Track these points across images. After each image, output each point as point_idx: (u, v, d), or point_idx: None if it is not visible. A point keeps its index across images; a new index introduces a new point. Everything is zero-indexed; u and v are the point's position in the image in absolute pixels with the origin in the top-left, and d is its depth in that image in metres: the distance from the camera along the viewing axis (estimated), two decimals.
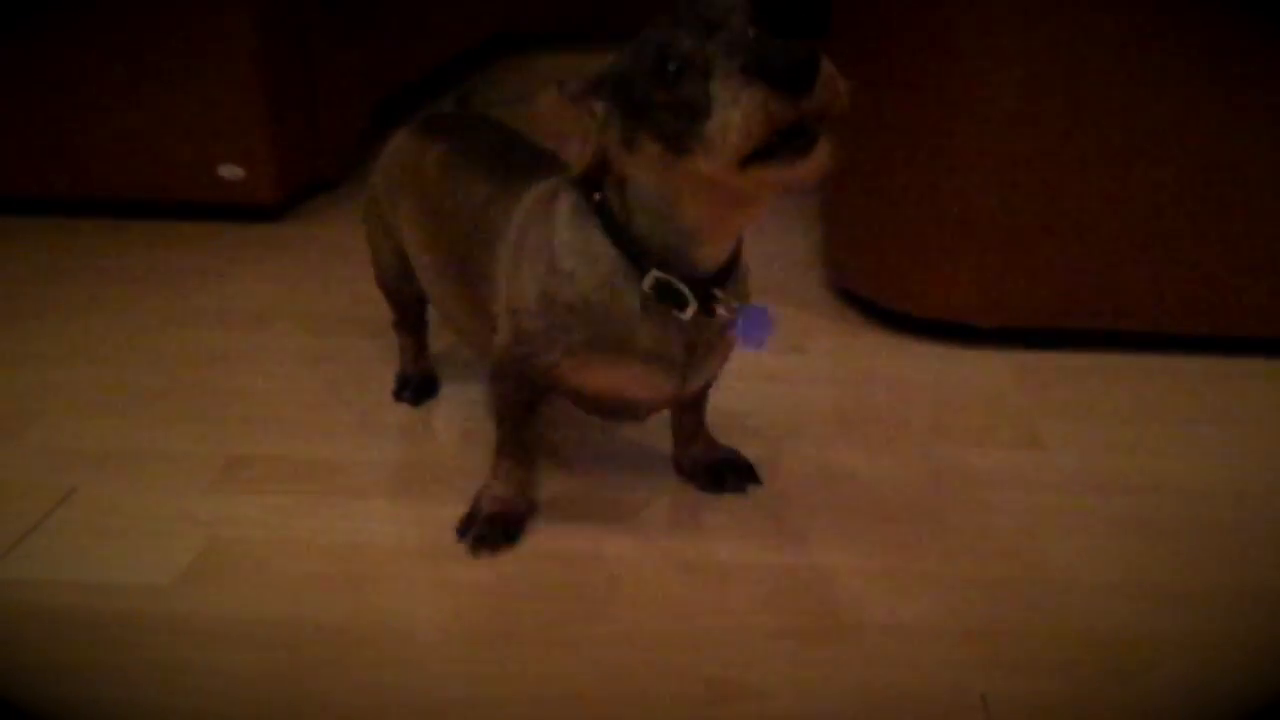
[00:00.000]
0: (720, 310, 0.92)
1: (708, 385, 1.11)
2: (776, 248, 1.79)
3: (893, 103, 1.40)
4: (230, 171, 1.83)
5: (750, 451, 1.18)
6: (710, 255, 0.90)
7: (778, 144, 0.74)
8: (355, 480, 1.16)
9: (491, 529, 1.05)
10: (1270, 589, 1.00)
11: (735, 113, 0.74)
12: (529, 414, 1.05)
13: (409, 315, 1.32)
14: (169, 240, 1.84)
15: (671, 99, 0.79)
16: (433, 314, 1.31)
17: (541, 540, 1.06)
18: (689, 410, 1.14)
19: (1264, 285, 1.35)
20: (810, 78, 0.71)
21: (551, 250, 0.93)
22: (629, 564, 1.03)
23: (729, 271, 0.93)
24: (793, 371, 1.40)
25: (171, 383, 1.37)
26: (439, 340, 1.40)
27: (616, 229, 0.90)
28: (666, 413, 1.14)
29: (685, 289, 0.90)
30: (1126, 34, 1.26)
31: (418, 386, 1.33)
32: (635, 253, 0.90)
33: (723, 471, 1.14)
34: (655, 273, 0.89)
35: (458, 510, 1.09)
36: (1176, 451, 1.22)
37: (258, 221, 1.89)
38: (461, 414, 1.30)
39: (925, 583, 1.00)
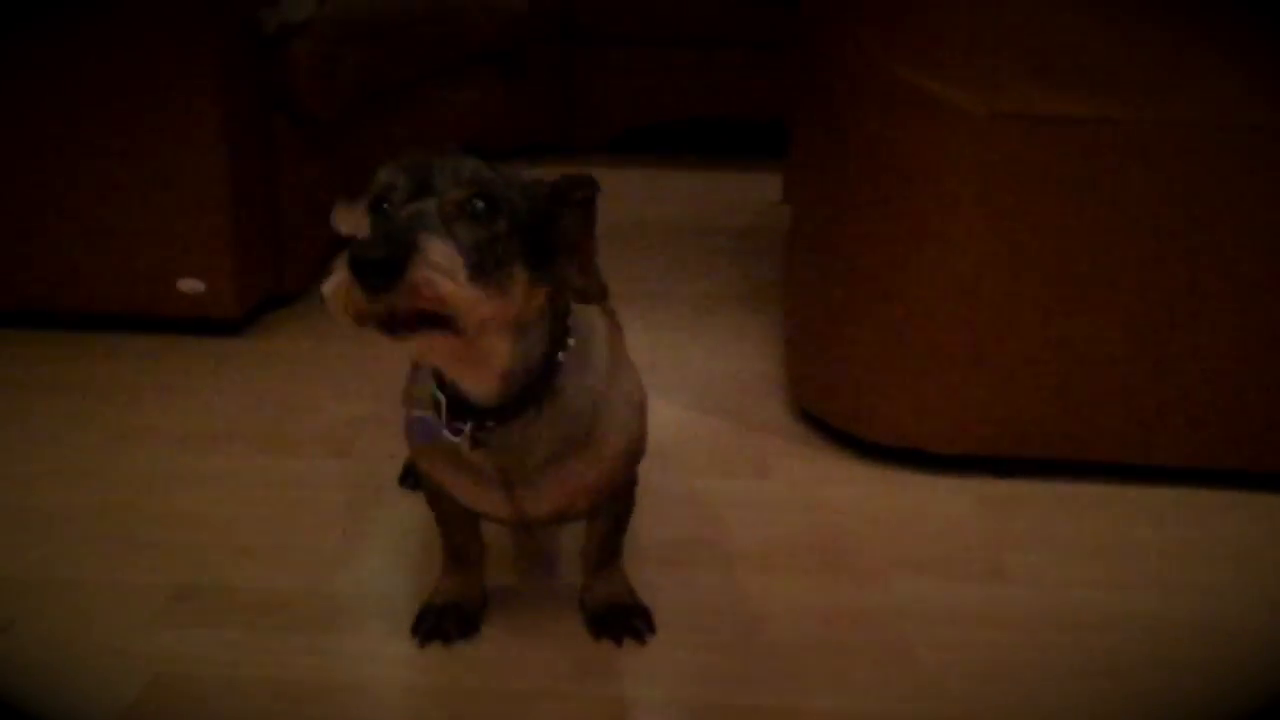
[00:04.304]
0: (458, 436, 0.91)
1: (614, 521, 1.09)
2: (740, 369, 1.80)
3: (855, 231, 1.42)
4: (190, 285, 1.82)
5: (711, 582, 1.16)
6: (465, 387, 0.91)
7: (382, 320, 0.77)
8: (310, 613, 1.13)
9: (442, 622, 1.08)
10: None
11: (327, 288, 0.77)
12: (442, 513, 1.07)
13: None
14: (123, 354, 1.81)
15: None
16: None
17: (502, 676, 1.03)
18: (591, 539, 1.10)
19: (1221, 417, 1.37)
20: (382, 279, 0.73)
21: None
22: (594, 706, 1.00)
23: (505, 413, 0.91)
24: (755, 497, 1.39)
25: (119, 506, 1.33)
26: None
27: None
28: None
29: (443, 404, 0.91)
30: (1087, 171, 1.29)
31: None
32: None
33: (608, 617, 1.11)
34: (434, 388, 0.93)
35: (416, 646, 1.06)
36: (1140, 586, 1.21)
37: (217, 335, 1.87)
38: (423, 543, 1.27)
39: None
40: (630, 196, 3.02)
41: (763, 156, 3.14)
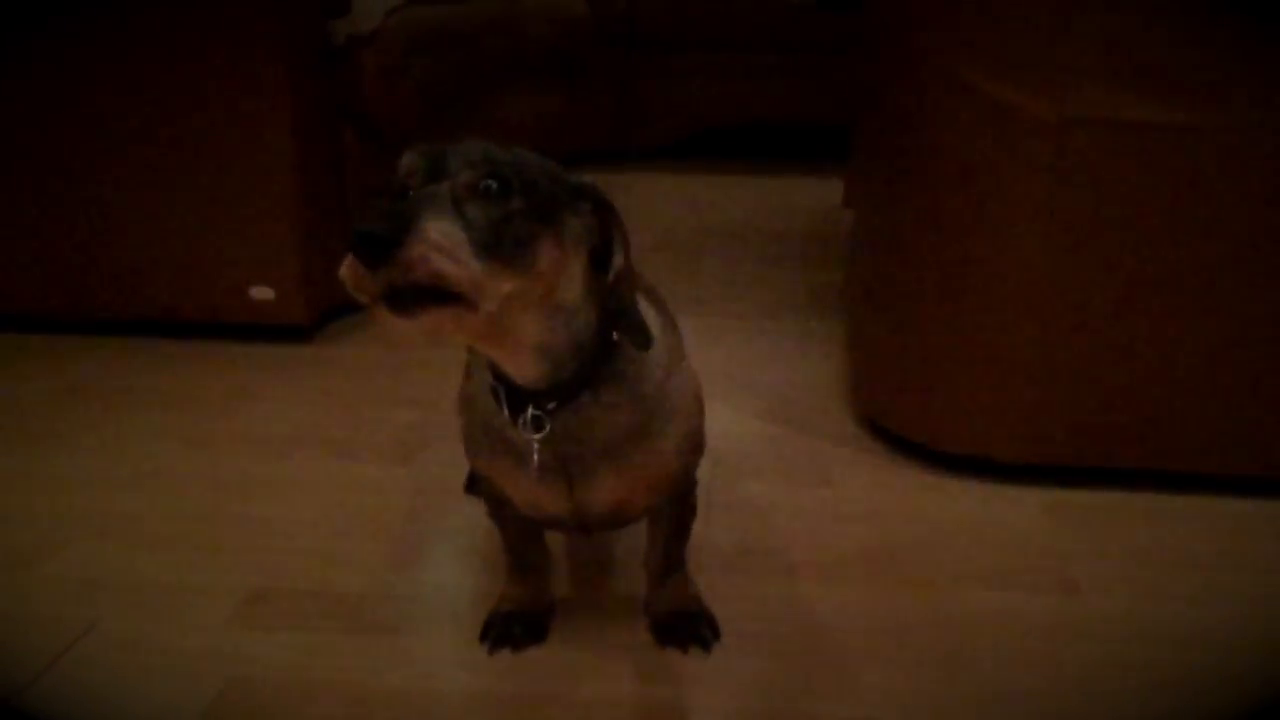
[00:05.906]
0: (519, 422, 0.92)
1: (675, 525, 1.09)
2: (802, 376, 1.79)
3: (920, 237, 1.41)
4: (261, 293, 1.86)
5: (774, 591, 1.16)
6: (509, 370, 0.91)
7: (388, 297, 0.77)
8: (382, 616, 1.15)
9: (509, 628, 1.10)
10: None
11: (342, 269, 0.78)
12: (503, 521, 1.09)
13: None
14: (197, 361, 1.85)
15: None
16: None
17: (569, 683, 1.04)
18: (653, 545, 1.11)
19: None
20: (377, 252, 0.74)
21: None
22: (658, 713, 1.01)
23: (562, 394, 0.91)
24: (820, 507, 1.39)
25: (194, 510, 1.37)
26: None
27: None
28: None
29: (501, 393, 0.93)
30: (1158, 177, 1.27)
31: None
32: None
33: (674, 624, 1.11)
34: (488, 376, 0.94)
35: (485, 651, 1.07)
36: (1214, 600, 1.19)
37: (286, 342, 1.90)
38: (490, 549, 1.28)
39: None
40: (691, 202, 3.03)
41: (823, 161, 3.13)
